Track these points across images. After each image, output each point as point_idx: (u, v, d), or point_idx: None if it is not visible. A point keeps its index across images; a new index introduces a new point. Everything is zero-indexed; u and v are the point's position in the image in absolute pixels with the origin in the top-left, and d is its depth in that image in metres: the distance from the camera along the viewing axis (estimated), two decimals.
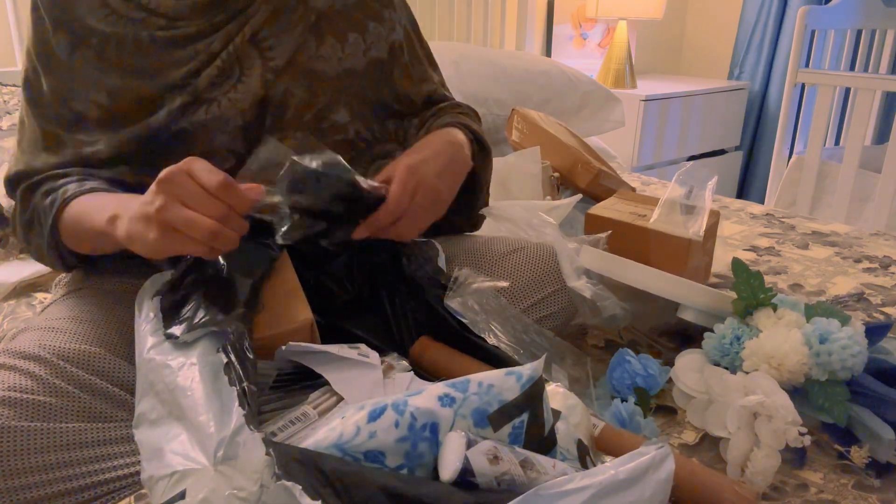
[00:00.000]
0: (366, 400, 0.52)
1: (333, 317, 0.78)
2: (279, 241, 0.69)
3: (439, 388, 0.52)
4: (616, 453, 0.56)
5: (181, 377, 0.53)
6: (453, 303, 0.72)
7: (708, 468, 0.65)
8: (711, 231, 1.16)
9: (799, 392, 0.79)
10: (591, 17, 2.77)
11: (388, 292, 0.79)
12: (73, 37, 0.76)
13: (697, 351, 0.88)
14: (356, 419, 0.49)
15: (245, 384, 0.51)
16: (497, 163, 1.23)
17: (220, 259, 0.68)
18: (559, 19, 2.75)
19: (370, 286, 0.81)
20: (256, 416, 0.50)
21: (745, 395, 0.74)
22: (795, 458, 0.76)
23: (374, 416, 0.49)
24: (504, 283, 0.74)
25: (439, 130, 0.87)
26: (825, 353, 0.78)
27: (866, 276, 1.30)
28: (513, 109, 1.61)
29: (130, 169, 0.78)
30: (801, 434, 0.69)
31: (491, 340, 0.69)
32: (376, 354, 0.67)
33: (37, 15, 0.77)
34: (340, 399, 0.61)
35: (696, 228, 1.07)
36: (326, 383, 0.62)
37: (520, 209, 1.11)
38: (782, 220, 1.65)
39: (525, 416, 0.52)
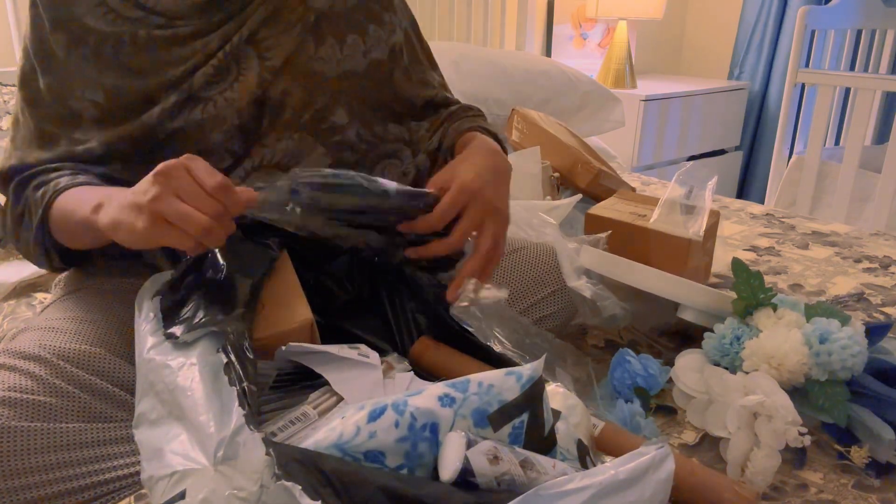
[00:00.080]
0: (366, 400, 0.52)
1: (333, 317, 0.78)
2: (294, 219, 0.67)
3: (439, 388, 0.52)
4: (616, 453, 0.56)
5: (181, 377, 0.53)
6: (458, 312, 0.72)
7: (708, 468, 0.65)
8: (711, 231, 1.16)
9: (799, 392, 0.79)
10: (591, 17, 2.77)
11: (388, 292, 0.79)
12: (70, 35, 0.76)
13: (697, 351, 0.88)
14: (356, 419, 0.49)
15: (245, 384, 0.51)
16: None
17: (220, 259, 0.68)
18: (559, 19, 2.75)
19: (370, 286, 0.81)
20: (256, 416, 0.50)
21: (745, 395, 0.74)
22: (795, 458, 0.76)
23: (374, 416, 0.49)
24: (504, 295, 0.74)
25: (475, 139, 0.86)
26: (825, 353, 0.78)
27: (866, 276, 1.30)
28: (513, 109, 1.61)
29: (124, 166, 0.77)
30: (801, 434, 0.69)
31: (497, 348, 0.69)
32: (376, 354, 0.67)
33: (35, 13, 0.77)
34: (340, 399, 0.61)
35: (696, 228, 1.07)
36: (326, 383, 0.62)
37: (520, 209, 1.11)
38: (782, 220, 1.65)
39: (525, 417, 0.52)
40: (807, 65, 2.56)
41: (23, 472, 0.59)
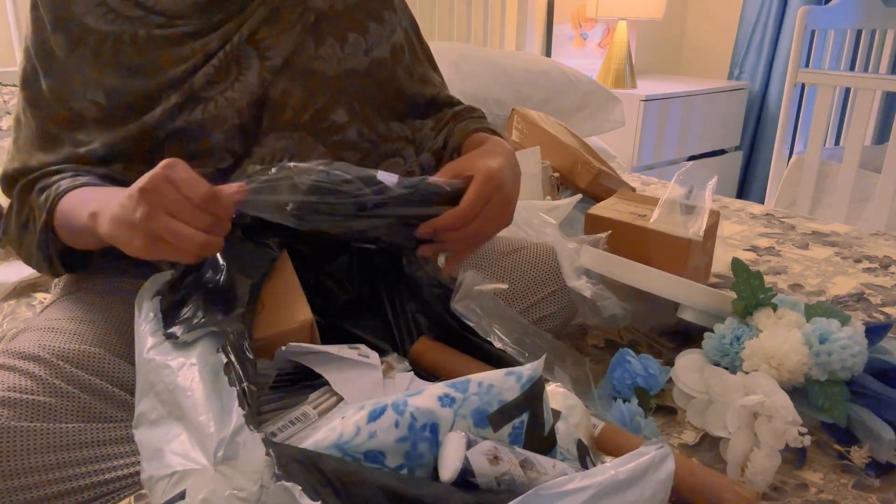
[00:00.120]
0: (366, 400, 0.52)
1: (333, 317, 0.78)
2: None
3: (439, 388, 0.52)
4: (616, 453, 0.56)
5: (181, 377, 0.53)
6: (459, 306, 0.72)
7: (708, 468, 0.65)
8: (711, 231, 1.16)
9: (799, 392, 0.79)
10: (591, 17, 2.77)
11: (388, 292, 0.79)
12: (70, 36, 0.76)
13: (697, 351, 0.88)
14: (356, 419, 0.49)
15: (245, 384, 0.51)
16: None
17: (220, 259, 0.68)
18: (559, 19, 2.75)
19: (370, 286, 0.81)
20: (256, 416, 0.50)
21: (745, 395, 0.74)
22: (795, 458, 0.76)
23: (374, 416, 0.49)
24: (504, 286, 0.74)
25: (489, 140, 0.86)
26: (825, 353, 0.78)
27: (866, 276, 1.30)
28: (513, 109, 1.61)
29: (125, 167, 0.77)
30: (801, 434, 0.69)
31: (497, 344, 0.69)
32: (376, 354, 0.67)
33: (36, 14, 0.77)
34: (340, 399, 0.61)
35: (696, 228, 1.07)
36: (326, 383, 0.62)
37: (520, 209, 1.11)
38: (782, 220, 1.65)
39: (525, 417, 0.52)
40: (807, 65, 2.56)
41: (23, 473, 0.59)
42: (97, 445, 0.63)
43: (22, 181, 0.77)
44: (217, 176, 0.77)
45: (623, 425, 0.75)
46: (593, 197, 1.40)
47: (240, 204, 0.62)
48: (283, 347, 0.64)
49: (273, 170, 0.64)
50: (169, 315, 0.61)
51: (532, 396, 0.53)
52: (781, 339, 0.79)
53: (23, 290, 1.12)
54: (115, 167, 0.77)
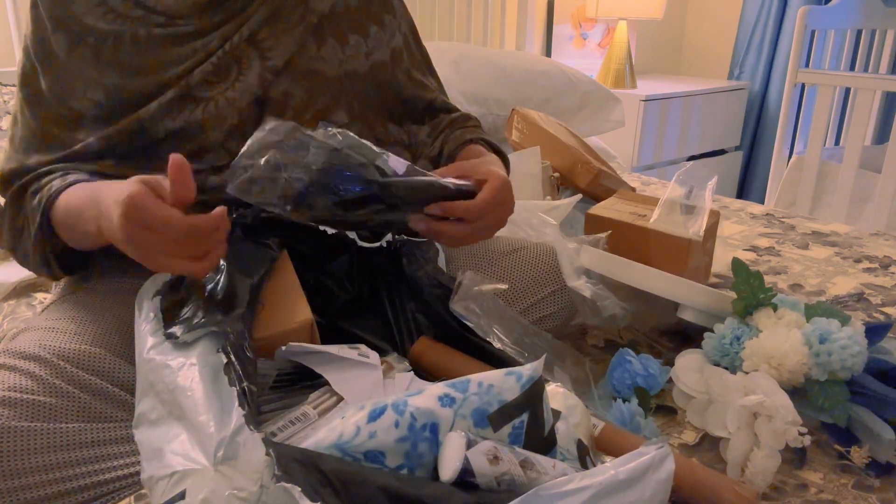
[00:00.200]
0: (366, 400, 0.52)
1: (333, 317, 0.78)
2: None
3: (439, 388, 0.52)
4: (616, 453, 0.56)
5: (181, 377, 0.53)
6: (458, 307, 0.72)
7: (708, 468, 0.65)
8: (711, 231, 1.16)
9: (799, 392, 0.79)
10: (591, 17, 2.77)
11: (388, 292, 0.79)
12: (70, 35, 0.76)
13: (697, 351, 0.88)
14: (356, 419, 0.49)
15: (245, 384, 0.51)
16: None
17: (220, 260, 0.68)
18: (559, 19, 2.75)
19: (370, 286, 0.81)
20: (256, 416, 0.50)
21: (745, 395, 0.74)
22: (795, 458, 0.76)
23: (374, 416, 0.49)
24: (503, 286, 0.74)
25: (485, 152, 0.87)
26: (825, 353, 0.78)
27: (866, 276, 1.30)
28: (513, 109, 1.61)
29: (117, 162, 0.77)
30: (801, 434, 0.69)
31: (496, 344, 0.69)
32: (376, 354, 0.67)
33: (36, 13, 0.77)
34: (340, 399, 0.61)
35: (696, 228, 1.07)
36: (326, 383, 0.62)
37: (520, 209, 1.11)
38: (782, 220, 1.65)
39: (525, 417, 0.52)
40: (807, 65, 2.56)
41: (23, 472, 0.59)
42: (97, 445, 0.63)
43: (17, 183, 0.76)
44: (213, 174, 0.78)
45: (623, 425, 0.75)
46: (593, 197, 1.40)
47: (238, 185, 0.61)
48: (283, 347, 0.64)
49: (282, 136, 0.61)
50: (169, 315, 0.61)
51: (532, 396, 0.53)
52: (781, 339, 0.79)
53: (23, 290, 1.12)
54: (107, 163, 0.77)
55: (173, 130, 0.77)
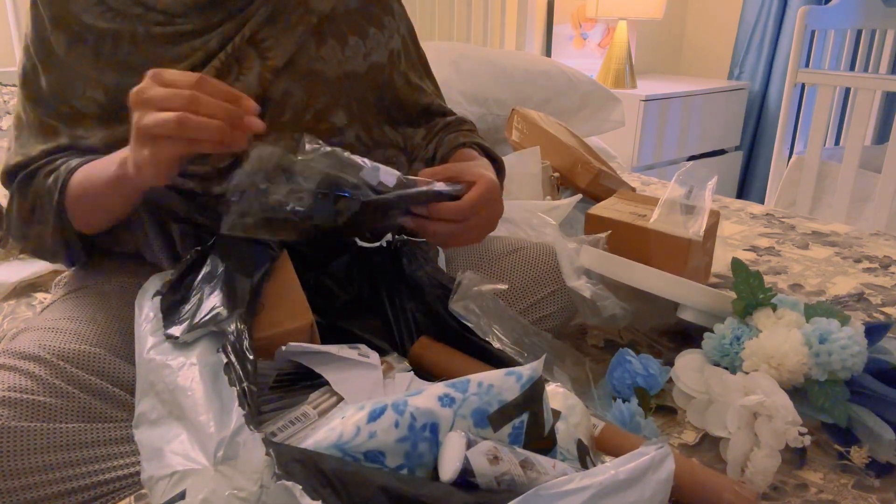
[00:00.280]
0: (366, 400, 0.52)
1: (333, 317, 0.78)
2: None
3: (439, 388, 0.52)
4: (616, 453, 0.56)
5: (181, 377, 0.53)
6: (457, 306, 0.72)
7: (708, 468, 0.65)
8: (711, 231, 1.16)
9: (799, 392, 0.79)
10: (591, 17, 2.77)
11: (388, 292, 0.79)
12: (70, 34, 0.76)
13: (697, 351, 0.88)
14: (356, 419, 0.49)
15: (245, 384, 0.51)
16: None
17: (220, 260, 0.68)
18: (559, 19, 2.75)
19: (370, 286, 0.81)
20: (256, 416, 0.50)
21: (745, 395, 0.74)
22: (795, 458, 0.76)
23: (374, 416, 0.49)
24: (503, 286, 0.74)
25: (478, 156, 0.88)
26: (825, 353, 0.78)
27: (866, 276, 1.30)
28: (513, 109, 1.61)
29: None
30: (801, 434, 0.69)
31: (496, 344, 0.69)
32: (376, 354, 0.67)
33: (35, 12, 0.77)
34: (340, 399, 0.61)
35: (696, 228, 1.07)
36: (326, 383, 0.62)
37: (520, 209, 1.11)
38: (782, 220, 1.65)
39: (525, 417, 0.52)
40: (807, 65, 2.56)
41: (23, 472, 0.59)
42: (97, 445, 0.63)
43: (22, 174, 0.77)
44: (214, 175, 0.78)
45: (623, 425, 0.75)
46: (593, 197, 1.40)
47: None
48: (283, 347, 0.64)
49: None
50: (169, 315, 0.61)
51: (532, 396, 0.53)
52: (781, 339, 0.79)
53: (23, 290, 1.12)
54: None
55: None
